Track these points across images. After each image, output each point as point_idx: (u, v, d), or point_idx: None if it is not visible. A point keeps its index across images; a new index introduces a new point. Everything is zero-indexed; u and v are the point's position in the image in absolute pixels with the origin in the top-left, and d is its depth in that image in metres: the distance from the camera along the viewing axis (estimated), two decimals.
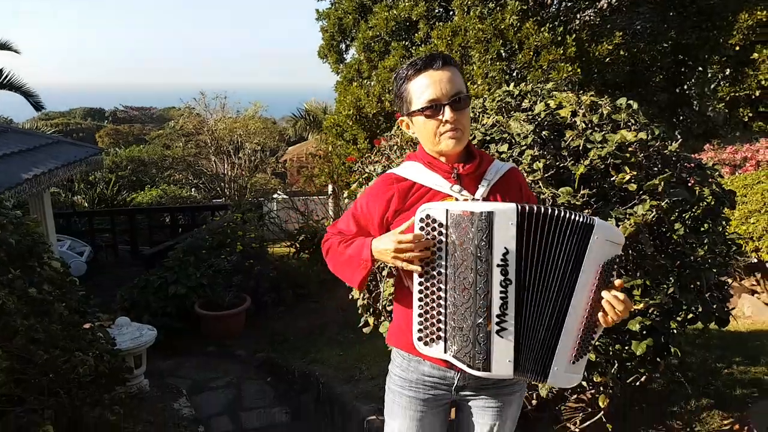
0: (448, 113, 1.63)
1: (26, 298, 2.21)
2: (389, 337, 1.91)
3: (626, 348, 2.37)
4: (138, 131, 31.09)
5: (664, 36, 7.79)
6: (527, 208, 1.51)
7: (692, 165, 2.65)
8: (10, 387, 2.07)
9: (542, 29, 7.21)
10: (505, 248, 1.50)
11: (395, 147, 3.14)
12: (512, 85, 3.08)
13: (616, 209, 2.28)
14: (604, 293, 1.58)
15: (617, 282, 1.60)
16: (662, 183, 2.26)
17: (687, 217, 2.57)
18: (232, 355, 6.11)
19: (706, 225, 2.64)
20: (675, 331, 2.38)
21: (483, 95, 7.28)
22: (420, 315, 1.62)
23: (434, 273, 1.58)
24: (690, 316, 2.52)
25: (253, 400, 5.14)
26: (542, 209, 1.53)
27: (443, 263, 1.56)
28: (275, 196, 11.57)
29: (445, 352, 1.60)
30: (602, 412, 2.65)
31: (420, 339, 1.62)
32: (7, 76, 10.59)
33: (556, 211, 1.53)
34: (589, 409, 2.81)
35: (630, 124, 2.66)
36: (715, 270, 2.47)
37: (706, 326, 2.51)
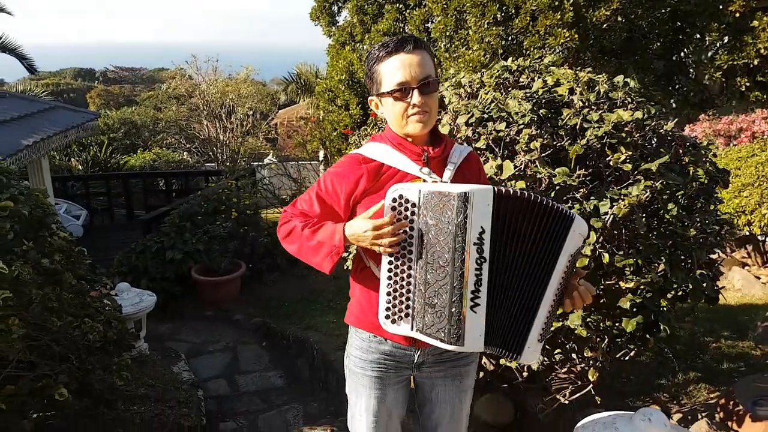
0: (416, 97, 1.67)
1: (40, 268, 2.27)
2: (349, 316, 1.94)
3: (616, 324, 2.47)
4: (128, 92, 30.69)
5: (662, 2, 7.73)
6: (503, 190, 1.57)
7: (688, 144, 2.71)
8: (25, 353, 2.15)
9: None
10: (482, 227, 1.55)
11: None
12: (510, 59, 3.10)
13: (610, 189, 2.35)
14: (579, 283, 1.71)
15: (583, 273, 1.74)
16: (656, 166, 2.33)
17: (680, 194, 2.64)
18: (229, 320, 6.21)
19: (699, 204, 2.73)
20: (665, 308, 2.47)
21: (479, 61, 7.21)
22: (388, 294, 1.66)
23: (404, 252, 1.62)
24: (681, 293, 2.62)
25: (249, 364, 5.27)
26: (518, 192, 1.59)
27: (414, 242, 1.61)
28: (266, 161, 11.55)
29: (412, 329, 1.65)
30: (591, 385, 2.77)
31: (388, 317, 1.67)
32: (0, 39, 10.41)
33: (536, 198, 1.59)
34: (579, 382, 2.93)
35: (627, 102, 2.71)
36: (706, 249, 2.56)
37: (695, 304, 2.62)
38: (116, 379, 2.59)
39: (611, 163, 2.42)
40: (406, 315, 1.64)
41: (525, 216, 1.59)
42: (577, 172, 2.37)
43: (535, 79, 2.88)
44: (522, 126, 2.51)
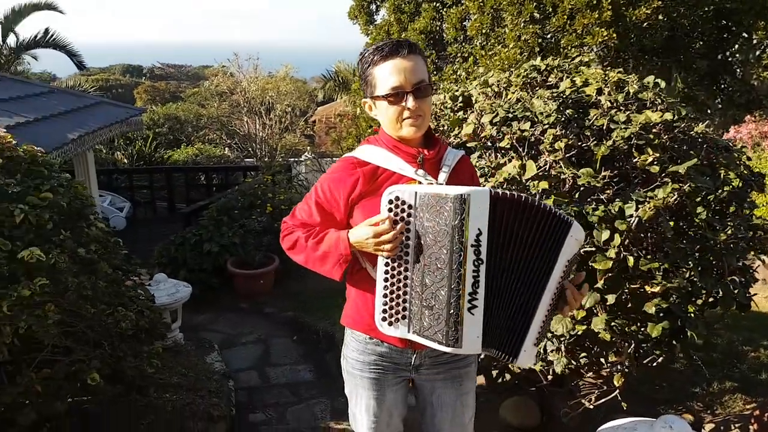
0: (410, 101, 1.69)
1: (76, 257, 2.38)
2: (344, 318, 1.95)
3: (642, 329, 2.44)
4: (174, 88, 31.43)
5: (706, 0, 7.51)
6: (500, 192, 1.58)
7: (720, 146, 2.65)
8: (61, 338, 2.26)
9: None
10: (479, 229, 1.56)
11: None
12: (539, 59, 3.09)
13: (636, 192, 2.32)
14: (569, 287, 1.71)
15: (579, 275, 1.76)
16: (684, 168, 2.28)
17: (712, 199, 2.58)
18: (262, 313, 6.33)
19: (732, 208, 2.66)
20: (692, 314, 2.42)
21: (515, 59, 7.14)
22: (385, 296, 1.67)
23: (401, 254, 1.64)
24: (711, 300, 2.57)
25: (280, 356, 5.35)
26: (515, 195, 1.59)
27: (411, 244, 1.62)
28: (304, 157, 11.69)
29: (409, 331, 1.66)
30: (617, 391, 2.73)
31: (384, 319, 1.68)
32: (51, 36, 10.87)
33: (532, 201, 1.60)
34: (605, 387, 2.90)
35: (657, 103, 2.66)
36: (737, 255, 2.50)
37: (726, 311, 2.56)
38: (146, 366, 2.68)
39: (638, 164, 2.39)
40: (403, 317, 1.66)
41: (523, 219, 1.60)
42: (602, 173, 2.35)
43: (563, 78, 2.86)
44: (547, 126, 2.50)
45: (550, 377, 2.92)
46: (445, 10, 9.49)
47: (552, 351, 2.59)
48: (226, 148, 13.91)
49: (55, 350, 2.31)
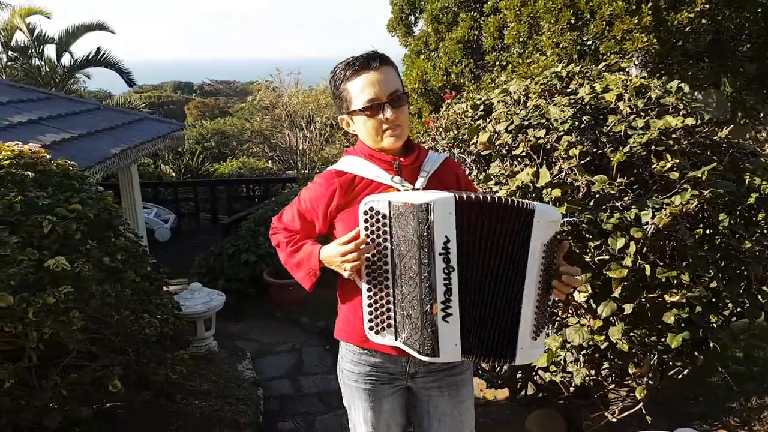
0: (388, 112, 1.69)
1: (102, 266, 2.48)
2: (337, 332, 1.96)
3: (662, 340, 2.37)
4: (223, 104, 32.31)
5: (752, 1, 7.24)
6: (464, 196, 1.56)
7: (746, 152, 2.56)
8: (85, 344, 2.36)
9: None
10: (446, 237, 1.54)
11: (440, 128, 3.21)
12: (560, 66, 3.05)
13: (653, 198, 2.26)
14: (560, 263, 1.65)
15: (561, 255, 1.67)
16: (704, 174, 2.22)
17: (741, 207, 2.49)
18: (296, 322, 6.41)
19: (761, 216, 2.56)
20: (715, 325, 2.33)
21: (553, 66, 7.11)
22: (369, 305, 1.68)
23: (381, 264, 1.64)
24: (738, 310, 2.47)
25: (312, 366, 5.40)
26: (480, 197, 1.57)
27: (389, 254, 1.62)
28: None
29: (396, 339, 1.66)
30: (641, 404, 2.65)
31: (371, 329, 1.69)
32: (103, 55, 11.39)
33: (494, 199, 1.58)
34: (628, 399, 2.81)
35: (679, 108, 2.60)
36: (764, 263, 2.40)
37: (752, 321, 2.46)
38: (170, 373, 2.76)
39: (656, 171, 2.33)
40: (388, 326, 1.67)
41: (488, 219, 1.58)
42: (618, 180, 2.30)
43: (583, 85, 2.82)
44: (562, 133, 2.46)
45: (572, 389, 2.86)
46: (482, 19, 9.48)
47: (571, 362, 2.54)
48: (269, 161, 14.20)
49: (80, 355, 2.41)
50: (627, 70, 5.29)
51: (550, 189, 2.36)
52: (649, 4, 6.80)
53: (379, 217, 1.62)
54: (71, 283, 2.23)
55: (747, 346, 3.60)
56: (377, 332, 1.69)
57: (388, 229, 1.61)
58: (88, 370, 2.46)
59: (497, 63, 9.17)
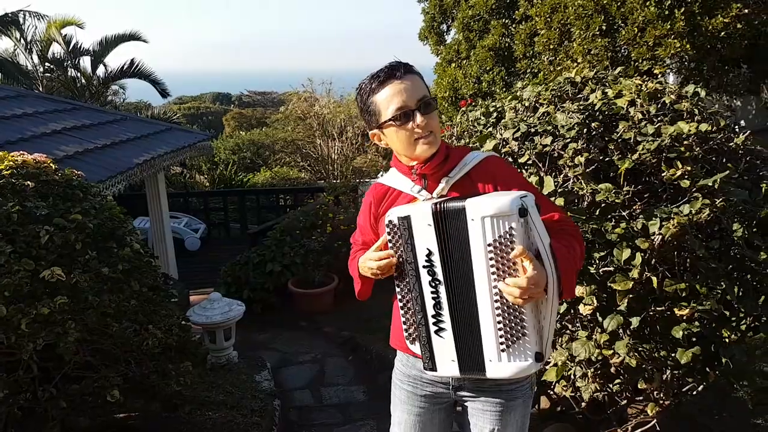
0: (419, 118, 1.63)
1: (100, 276, 2.49)
2: (392, 339, 1.97)
3: (672, 355, 2.24)
4: (260, 115, 32.82)
5: None
6: (438, 206, 1.50)
7: (764, 158, 2.41)
8: (82, 355, 2.37)
9: (648, 3, 6.71)
10: (428, 249, 1.51)
11: (453, 136, 3.14)
12: (573, 71, 2.95)
13: (660, 207, 2.15)
14: (500, 284, 1.47)
15: (512, 254, 1.43)
16: (715, 182, 2.09)
17: (762, 214, 2.34)
18: (320, 332, 6.39)
19: None
20: (728, 339, 2.20)
21: (582, 73, 6.96)
22: (402, 315, 1.69)
23: (404, 275, 1.63)
24: (754, 324, 2.32)
25: (334, 376, 5.37)
26: (445, 204, 1.51)
27: (407, 266, 1.61)
28: (372, 179, 11.81)
29: (420, 350, 1.65)
30: (654, 420, 2.52)
31: (407, 338, 1.70)
32: (137, 66, 11.69)
33: (442, 204, 1.51)
34: (642, 416, 2.68)
35: (694, 113, 2.47)
36: None
37: None
38: (174, 384, 2.75)
39: (665, 179, 2.21)
40: (416, 337, 1.67)
41: (448, 226, 1.52)
42: (625, 189, 2.19)
43: (595, 90, 2.71)
44: (568, 140, 2.37)
45: (583, 404, 2.74)
46: (514, 26, 9.37)
47: (579, 377, 2.43)
48: (301, 171, 14.33)
49: (79, 366, 2.42)
50: (661, 76, 5.11)
51: (554, 198, 2.27)
52: (682, 9, 6.59)
53: (396, 228, 1.61)
54: (67, 293, 2.24)
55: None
56: (411, 341, 1.70)
57: (402, 240, 1.60)
58: (87, 381, 2.47)
59: (529, 70, 9.04)
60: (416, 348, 1.69)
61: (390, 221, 1.62)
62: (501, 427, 1.79)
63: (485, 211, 1.43)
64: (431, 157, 1.72)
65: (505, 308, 1.49)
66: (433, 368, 1.57)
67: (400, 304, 1.69)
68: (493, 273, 1.46)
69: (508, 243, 1.42)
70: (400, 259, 1.62)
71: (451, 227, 1.51)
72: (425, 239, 1.51)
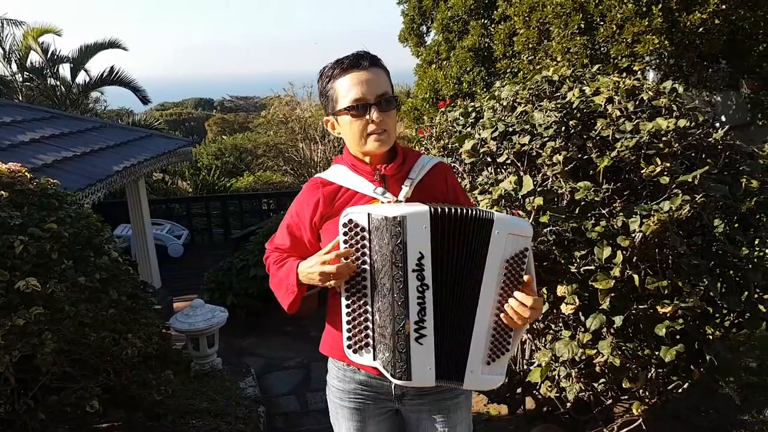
0: (374, 113, 1.59)
1: (77, 286, 2.44)
2: (323, 346, 1.89)
3: (656, 353, 2.24)
4: (243, 119, 32.61)
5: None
6: (440, 209, 1.47)
7: (744, 153, 2.43)
8: (60, 366, 2.32)
9: (625, 0, 6.77)
10: (420, 253, 1.46)
11: (431, 137, 3.13)
12: (551, 69, 2.95)
13: (640, 205, 2.15)
14: (511, 298, 1.51)
15: (526, 277, 1.51)
16: (695, 178, 2.09)
17: (743, 209, 2.36)
18: (306, 336, 6.35)
19: (761, 220, 2.42)
20: (712, 336, 2.20)
21: (561, 72, 7.02)
22: (348, 322, 1.59)
23: (359, 279, 1.55)
24: (737, 320, 2.33)
25: (320, 381, 5.31)
26: (452, 209, 1.48)
27: (367, 269, 1.53)
28: None
29: (374, 359, 1.57)
30: (640, 419, 2.52)
31: (349, 347, 1.60)
32: (116, 73, 11.57)
33: (463, 210, 1.48)
34: (628, 415, 2.68)
35: (672, 110, 2.48)
36: (762, 271, 2.26)
37: (752, 332, 2.32)
38: (155, 394, 2.70)
39: (644, 176, 2.21)
40: (366, 344, 1.57)
41: (457, 232, 1.49)
42: (605, 186, 2.19)
43: (573, 88, 2.71)
44: (546, 139, 2.37)
45: (569, 405, 2.74)
46: (493, 26, 9.40)
47: (563, 377, 2.43)
48: (284, 175, 14.26)
49: (57, 378, 2.37)
50: (641, 73, 5.14)
51: (532, 197, 2.26)
52: (660, 6, 6.65)
53: (358, 230, 1.54)
54: (43, 303, 2.19)
55: (762, 356, 3.44)
56: (355, 351, 1.59)
57: (366, 242, 1.53)
58: (66, 392, 2.42)
59: (509, 70, 9.07)
60: (363, 359, 1.59)
61: (352, 221, 1.54)
62: (452, 427, 1.78)
63: (511, 228, 1.49)
64: (390, 159, 1.71)
65: (501, 324, 1.52)
66: (408, 377, 1.51)
67: (347, 311, 1.58)
68: (501, 288, 1.50)
69: (521, 263, 1.49)
70: (358, 262, 1.54)
71: (461, 234, 1.49)
72: (419, 242, 1.47)
